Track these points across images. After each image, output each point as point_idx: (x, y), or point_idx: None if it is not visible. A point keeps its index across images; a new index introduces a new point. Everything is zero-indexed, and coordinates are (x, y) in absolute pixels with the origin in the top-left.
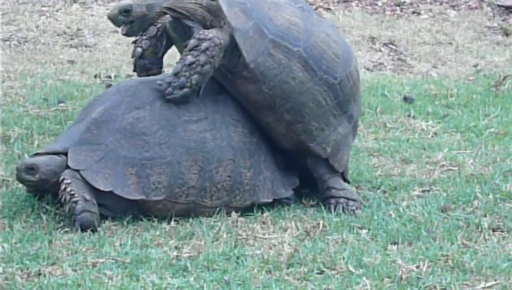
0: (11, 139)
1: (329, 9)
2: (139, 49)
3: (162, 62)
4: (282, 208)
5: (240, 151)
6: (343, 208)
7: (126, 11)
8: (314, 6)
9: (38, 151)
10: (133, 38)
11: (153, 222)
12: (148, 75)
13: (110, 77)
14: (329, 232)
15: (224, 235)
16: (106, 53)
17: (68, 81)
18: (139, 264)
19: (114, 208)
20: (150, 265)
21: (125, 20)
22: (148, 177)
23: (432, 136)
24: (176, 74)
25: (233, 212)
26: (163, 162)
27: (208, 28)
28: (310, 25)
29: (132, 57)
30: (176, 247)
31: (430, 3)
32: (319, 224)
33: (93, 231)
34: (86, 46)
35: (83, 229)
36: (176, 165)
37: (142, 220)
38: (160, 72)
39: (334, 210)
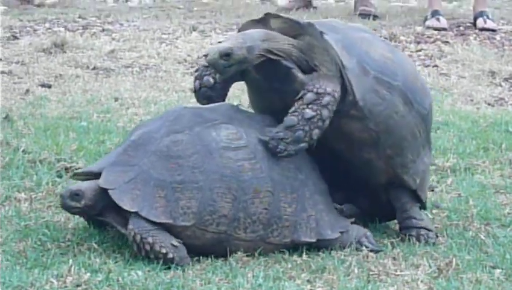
0: None
1: (447, 42)
2: (210, 79)
3: (225, 97)
4: (412, 245)
5: (281, 185)
6: (425, 240)
7: (227, 54)
8: (431, 40)
9: (76, 171)
10: None
11: (284, 254)
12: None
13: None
14: (462, 271)
15: (356, 270)
16: None
17: None
18: None
19: None
20: None
21: (226, 64)
22: (177, 201)
23: None
24: (290, 128)
25: (364, 248)
26: (195, 187)
27: (301, 68)
28: (398, 58)
29: (196, 81)
30: (308, 281)
31: None
32: (451, 262)
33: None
34: None
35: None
36: (208, 191)
37: (273, 252)
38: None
39: (419, 241)
